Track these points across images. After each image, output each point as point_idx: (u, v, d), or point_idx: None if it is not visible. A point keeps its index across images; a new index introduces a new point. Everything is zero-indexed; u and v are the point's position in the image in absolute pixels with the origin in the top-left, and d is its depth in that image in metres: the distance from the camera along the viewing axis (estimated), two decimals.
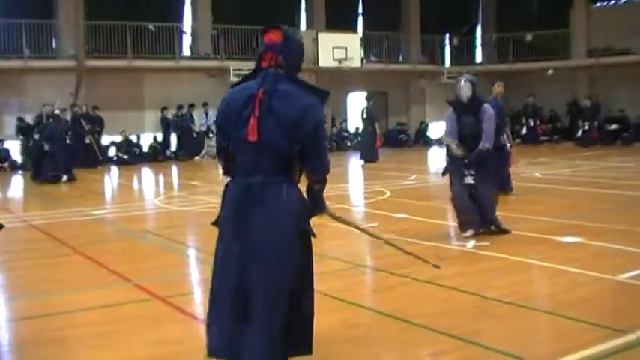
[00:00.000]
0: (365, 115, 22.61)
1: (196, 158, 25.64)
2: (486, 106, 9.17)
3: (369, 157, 22.03)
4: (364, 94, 24.00)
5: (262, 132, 4.16)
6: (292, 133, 4.18)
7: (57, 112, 19.79)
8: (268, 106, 4.18)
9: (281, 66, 4.38)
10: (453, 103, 9.36)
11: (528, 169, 18.68)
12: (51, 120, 19.06)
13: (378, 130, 22.53)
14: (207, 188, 16.34)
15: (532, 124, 30.06)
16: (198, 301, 6.74)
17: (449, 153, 9.45)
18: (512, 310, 6.00)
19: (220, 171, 4.75)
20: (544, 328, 5.65)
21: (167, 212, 13.14)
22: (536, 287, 7.01)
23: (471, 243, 8.82)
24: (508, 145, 12.67)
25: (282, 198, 4.26)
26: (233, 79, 26.56)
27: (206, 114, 26.55)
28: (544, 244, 8.81)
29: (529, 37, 31.96)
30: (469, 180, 9.14)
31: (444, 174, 9.55)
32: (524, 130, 30.27)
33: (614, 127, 28.48)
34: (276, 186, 4.24)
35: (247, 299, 4.20)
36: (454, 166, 9.34)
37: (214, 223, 4.55)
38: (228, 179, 4.41)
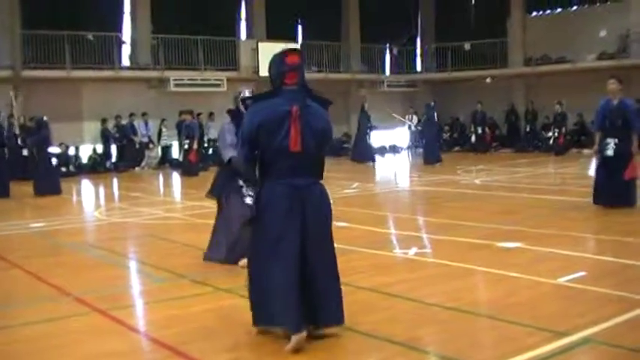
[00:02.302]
0: None
1: (137, 169, 25.36)
2: None
3: None
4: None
5: (304, 143, 5.26)
6: (321, 143, 5.46)
7: None
8: (305, 121, 5.30)
9: (302, 84, 5.49)
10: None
11: (468, 176, 18.90)
12: None
13: None
14: (148, 199, 16.20)
15: (480, 131, 30.43)
16: (140, 314, 6.67)
17: None
18: (454, 315, 6.05)
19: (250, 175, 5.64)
20: (486, 333, 5.71)
21: (107, 224, 12.97)
22: (478, 292, 7.07)
23: (413, 250, 8.88)
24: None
25: (324, 194, 5.53)
26: (173, 89, 26.44)
27: (146, 124, 26.23)
28: (485, 250, 8.91)
29: (467, 46, 32.40)
30: None
31: None
32: (473, 138, 30.68)
33: (550, 134, 28.92)
34: (319, 185, 5.52)
35: (310, 274, 5.35)
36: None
37: (249, 221, 5.60)
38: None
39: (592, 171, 12.18)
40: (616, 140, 11.68)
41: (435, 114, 25.26)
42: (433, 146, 24.51)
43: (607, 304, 6.16)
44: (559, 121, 27.54)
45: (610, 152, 11.73)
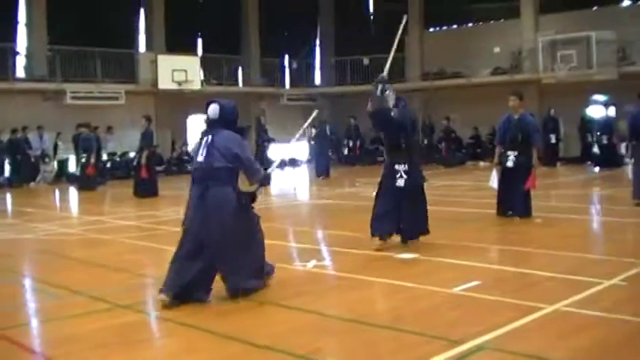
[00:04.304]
0: None
1: (32, 184, 24.68)
2: None
3: None
4: (204, 116, 23.85)
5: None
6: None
7: None
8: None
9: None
10: None
11: (367, 189, 19.09)
12: None
13: None
14: (44, 215, 15.82)
15: (351, 144, 31.18)
16: (35, 333, 6.51)
17: None
18: (354, 326, 6.11)
19: None
20: (384, 343, 5.78)
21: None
22: (376, 303, 7.16)
23: (312, 263, 8.92)
24: None
25: None
26: (70, 102, 25.91)
27: (40, 137, 25.52)
28: (383, 261, 9.03)
29: (366, 60, 32.79)
30: None
31: None
32: (345, 151, 31.43)
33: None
34: None
35: None
36: None
37: None
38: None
39: (493, 182, 12.57)
40: (516, 153, 12.11)
41: (328, 128, 25.45)
42: (323, 160, 24.68)
43: (500, 312, 6.32)
44: (446, 135, 28.47)
45: (510, 164, 12.17)
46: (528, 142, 12.19)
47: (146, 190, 18.59)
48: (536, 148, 12.23)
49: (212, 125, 7.44)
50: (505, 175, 12.30)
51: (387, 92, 10.00)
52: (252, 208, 7.37)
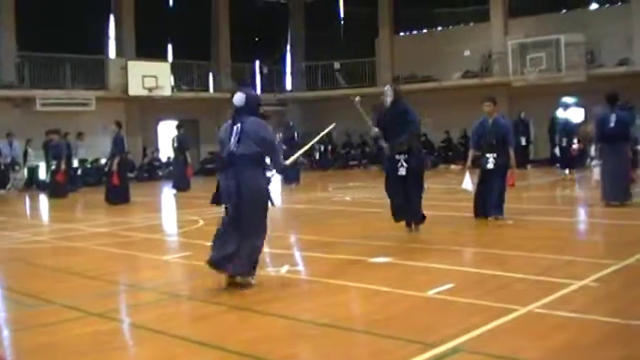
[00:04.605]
0: (176, 144, 22.34)
1: (1, 192, 24.45)
2: None
3: (181, 185, 21.80)
4: (175, 122, 23.82)
5: None
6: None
7: None
8: None
9: None
10: None
11: (339, 194, 19.13)
12: None
13: (189, 159, 22.32)
14: (14, 223, 15.68)
15: (323, 149, 31.21)
16: (7, 343, 6.43)
17: None
18: (327, 331, 6.11)
19: None
20: (359, 347, 5.78)
21: None
22: (350, 308, 7.17)
23: (285, 268, 8.91)
24: None
25: None
26: (40, 108, 25.71)
27: (10, 145, 25.27)
28: (357, 265, 9.04)
29: (337, 65, 32.87)
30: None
31: None
32: (317, 156, 31.55)
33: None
34: None
35: None
36: None
37: None
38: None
39: (467, 185, 12.80)
40: (494, 155, 12.42)
41: (296, 133, 25.44)
42: (292, 167, 24.56)
43: (474, 314, 6.35)
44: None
45: (490, 166, 12.47)
46: (504, 144, 12.49)
47: (118, 196, 18.47)
48: (512, 149, 12.58)
49: (238, 112, 7.93)
50: (485, 176, 12.60)
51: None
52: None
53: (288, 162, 8.54)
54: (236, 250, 7.76)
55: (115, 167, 18.56)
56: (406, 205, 11.15)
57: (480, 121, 12.90)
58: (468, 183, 12.81)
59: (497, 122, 12.65)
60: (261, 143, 7.77)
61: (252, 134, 7.75)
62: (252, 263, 7.90)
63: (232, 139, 7.81)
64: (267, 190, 8.01)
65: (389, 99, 11.17)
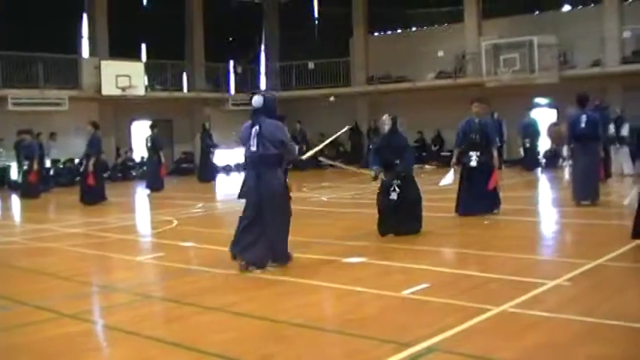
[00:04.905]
0: (149, 144, 22.19)
1: None
2: None
3: (155, 185, 21.68)
4: (149, 122, 23.64)
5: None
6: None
7: None
8: None
9: None
10: None
11: (314, 194, 19.12)
12: None
13: (162, 159, 22.18)
14: None
15: (297, 150, 31.13)
16: None
17: None
18: (302, 331, 6.11)
19: None
20: (334, 347, 5.79)
21: None
22: (325, 308, 7.17)
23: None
24: None
25: None
26: (11, 108, 25.45)
27: None
28: (331, 265, 9.05)
29: (311, 64, 32.86)
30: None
31: None
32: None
33: None
34: None
35: None
36: None
37: None
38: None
39: (446, 180, 13.38)
40: (478, 153, 12.92)
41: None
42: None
43: (449, 314, 6.37)
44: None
45: (473, 163, 12.97)
46: (488, 143, 13.03)
47: (93, 197, 18.30)
48: (496, 149, 13.18)
49: (256, 114, 8.72)
50: (468, 174, 13.06)
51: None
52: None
53: (304, 157, 9.95)
54: (253, 241, 8.56)
55: (90, 168, 18.42)
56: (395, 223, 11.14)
57: (466, 120, 13.43)
58: (449, 178, 13.34)
59: (483, 122, 13.27)
60: (278, 145, 8.57)
61: (269, 136, 8.54)
62: (268, 256, 8.71)
63: (252, 140, 8.59)
64: (285, 187, 8.81)
65: (387, 127, 11.45)
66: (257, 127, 8.61)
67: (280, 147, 8.60)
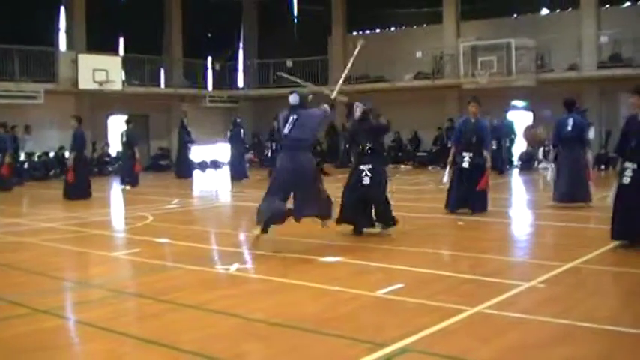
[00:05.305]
0: (124, 139, 22.08)
1: None
2: None
3: (129, 181, 21.56)
4: (125, 117, 23.49)
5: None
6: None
7: None
8: None
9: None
10: None
11: None
12: None
13: (137, 154, 22.05)
14: None
15: (274, 147, 31.21)
16: None
17: None
18: (278, 330, 6.10)
19: None
20: (308, 347, 5.77)
21: None
22: (300, 307, 7.15)
23: (235, 266, 8.87)
24: None
25: None
26: None
27: None
28: (307, 264, 9.05)
29: (289, 62, 32.80)
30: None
31: None
32: (268, 154, 31.56)
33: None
34: None
35: None
36: None
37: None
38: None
39: (445, 178, 13.61)
40: (470, 154, 13.22)
41: (242, 130, 25.35)
42: (239, 162, 24.65)
43: (424, 314, 6.39)
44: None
45: (465, 165, 13.27)
46: (481, 144, 13.34)
47: (75, 193, 18.00)
48: (488, 151, 13.45)
49: (293, 108, 9.95)
50: (460, 174, 13.33)
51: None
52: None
53: (333, 96, 11.10)
54: (299, 205, 10.02)
55: (70, 163, 18.25)
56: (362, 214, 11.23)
57: (463, 120, 14.04)
58: (446, 177, 13.63)
59: (479, 123, 13.62)
60: (312, 133, 10.11)
61: (307, 121, 9.88)
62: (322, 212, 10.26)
63: (287, 126, 9.82)
64: (315, 165, 10.37)
65: (357, 113, 11.71)
66: (294, 116, 9.84)
67: (313, 134, 10.21)
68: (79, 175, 18.32)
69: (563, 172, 14.20)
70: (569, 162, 14.13)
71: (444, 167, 13.88)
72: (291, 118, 9.88)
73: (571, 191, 14.06)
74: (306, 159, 9.93)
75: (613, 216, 9.61)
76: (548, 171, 14.87)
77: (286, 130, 9.85)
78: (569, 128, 14.14)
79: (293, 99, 9.96)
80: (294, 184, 9.82)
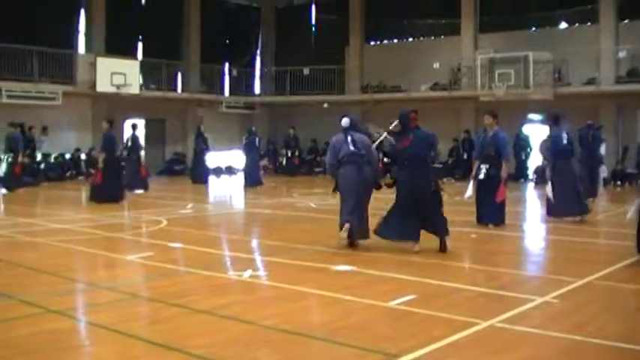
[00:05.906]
0: (130, 144, 22.08)
1: None
2: None
3: (135, 185, 21.44)
4: (142, 121, 23.53)
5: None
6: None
7: None
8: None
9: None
10: None
11: (303, 199, 19.11)
12: None
13: (143, 159, 22.02)
14: None
15: (290, 155, 31.29)
16: None
17: None
18: (289, 338, 6.09)
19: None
20: (319, 355, 5.77)
21: None
22: (312, 315, 7.15)
23: (248, 272, 8.87)
24: None
25: None
26: (5, 100, 25.30)
27: None
28: (319, 272, 9.03)
29: (306, 71, 32.85)
30: None
31: None
32: (283, 161, 31.64)
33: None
34: None
35: None
36: None
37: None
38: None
39: (468, 192, 13.59)
40: (487, 166, 13.39)
41: (258, 139, 25.35)
42: (253, 170, 24.63)
43: (436, 327, 6.37)
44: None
45: (482, 176, 13.44)
46: (499, 156, 13.39)
47: (101, 196, 17.77)
48: (505, 162, 13.45)
49: (346, 129, 10.98)
50: (479, 186, 13.54)
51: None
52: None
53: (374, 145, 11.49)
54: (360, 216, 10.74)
55: (100, 165, 18.16)
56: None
57: (482, 132, 14.37)
58: (469, 190, 13.65)
59: (496, 135, 13.59)
60: (367, 150, 10.90)
61: (361, 143, 10.88)
62: (366, 230, 10.86)
63: (350, 145, 10.78)
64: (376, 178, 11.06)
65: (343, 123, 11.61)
66: (350, 136, 10.85)
67: (368, 151, 10.92)
68: (108, 178, 18.16)
69: (563, 186, 14.18)
70: (567, 175, 14.20)
71: (458, 180, 13.83)
72: (349, 137, 10.85)
73: (573, 206, 14.11)
74: (368, 171, 10.79)
75: (638, 230, 9.71)
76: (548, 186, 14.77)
77: (352, 148, 10.75)
78: (565, 142, 14.37)
79: (345, 122, 11.02)
80: (358, 193, 10.76)
